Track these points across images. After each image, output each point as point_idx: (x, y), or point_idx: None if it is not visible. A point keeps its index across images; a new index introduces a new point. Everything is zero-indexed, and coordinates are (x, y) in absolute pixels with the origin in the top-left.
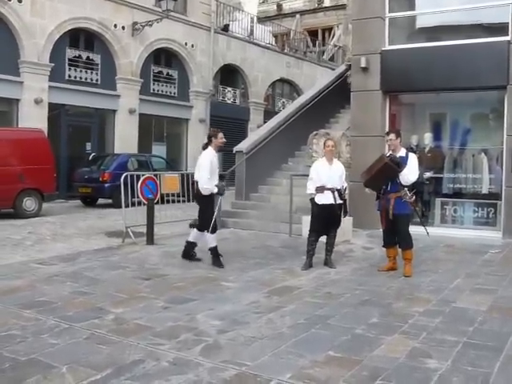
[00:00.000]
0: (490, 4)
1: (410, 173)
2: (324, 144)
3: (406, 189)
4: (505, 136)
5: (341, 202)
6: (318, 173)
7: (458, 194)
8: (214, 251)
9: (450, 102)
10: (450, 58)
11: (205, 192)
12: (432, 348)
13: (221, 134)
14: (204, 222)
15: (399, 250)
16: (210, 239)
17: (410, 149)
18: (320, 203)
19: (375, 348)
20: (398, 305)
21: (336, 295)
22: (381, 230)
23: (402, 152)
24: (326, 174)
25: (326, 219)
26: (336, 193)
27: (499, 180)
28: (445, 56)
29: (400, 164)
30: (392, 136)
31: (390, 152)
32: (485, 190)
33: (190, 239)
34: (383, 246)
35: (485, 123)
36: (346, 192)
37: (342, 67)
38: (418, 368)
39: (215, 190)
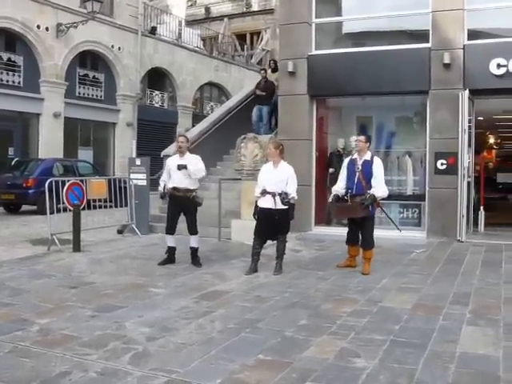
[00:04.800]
0: (412, 12)
1: (379, 189)
2: None
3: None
4: (427, 139)
5: (282, 207)
6: (260, 176)
7: None
8: (168, 250)
9: (375, 105)
10: (375, 63)
11: None
12: (360, 347)
13: (180, 138)
14: None
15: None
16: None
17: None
18: (260, 206)
19: (304, 350)
20: (327, 306)
21: (265, 298)
22: (309, 232)
23: (367, 156)
24: (265, 177)
25: (265, 223)
26: (277, 197)
27: (423, 181)
28: (370, 61)
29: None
30: (362, 138)
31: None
32: (409, 192)
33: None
34: (346, 243)
35: (409, 126)
36: (291, 196)
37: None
38: (347, 368)
39: (159, 189)
